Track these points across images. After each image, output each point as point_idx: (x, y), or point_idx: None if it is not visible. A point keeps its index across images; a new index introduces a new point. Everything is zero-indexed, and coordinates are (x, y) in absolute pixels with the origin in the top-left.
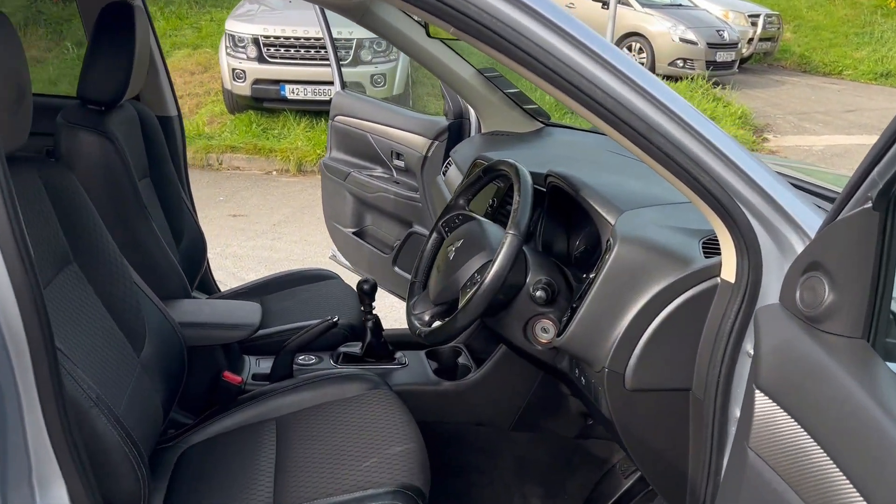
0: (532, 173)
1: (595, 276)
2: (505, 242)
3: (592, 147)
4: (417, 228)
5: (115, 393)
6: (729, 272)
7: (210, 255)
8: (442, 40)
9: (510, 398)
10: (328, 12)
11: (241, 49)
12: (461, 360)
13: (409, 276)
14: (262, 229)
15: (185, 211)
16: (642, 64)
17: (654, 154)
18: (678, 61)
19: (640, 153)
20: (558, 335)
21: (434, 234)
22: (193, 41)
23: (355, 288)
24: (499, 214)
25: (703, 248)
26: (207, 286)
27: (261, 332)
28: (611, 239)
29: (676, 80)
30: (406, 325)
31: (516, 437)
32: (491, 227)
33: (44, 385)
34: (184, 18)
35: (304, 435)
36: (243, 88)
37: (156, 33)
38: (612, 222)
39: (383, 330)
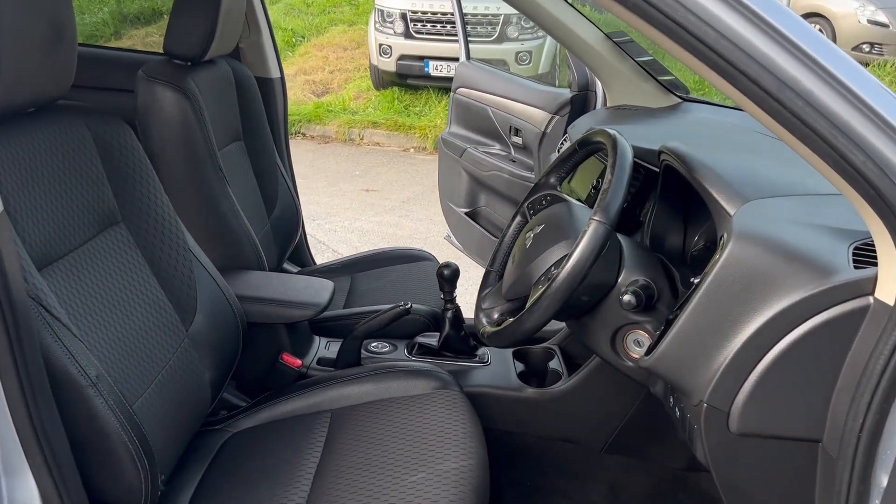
0: (642, 149)
1: (699, 282)
2: (587, 231)
3: (735, 126)
4: None
5: (141, 368)
6: (888, 291)
7: (336, 227)
8: (569, 2)
9: (606, 414)
10: None
11: (388, 24)
12: (553, 364)
13: None
14: (390, 205)
15: (279, 179)
16: None
17: (784, 119)
18: (864, 45)
19: (765, 119)
20: (647, 352)
21: (517, 218)
22: (350, 18)
23: (436, 273)
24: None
25: (854, 255)
26: (303, 259)
27: (332, 312)
28: (725, 235)
29: (866, 66)
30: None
31: (610, 461)
32: (583, 213)
33: (3, 359)
34: None
35: (356, 433)
36: (389, 64)
37: None
38: (731, 213)
39: (464, 321)
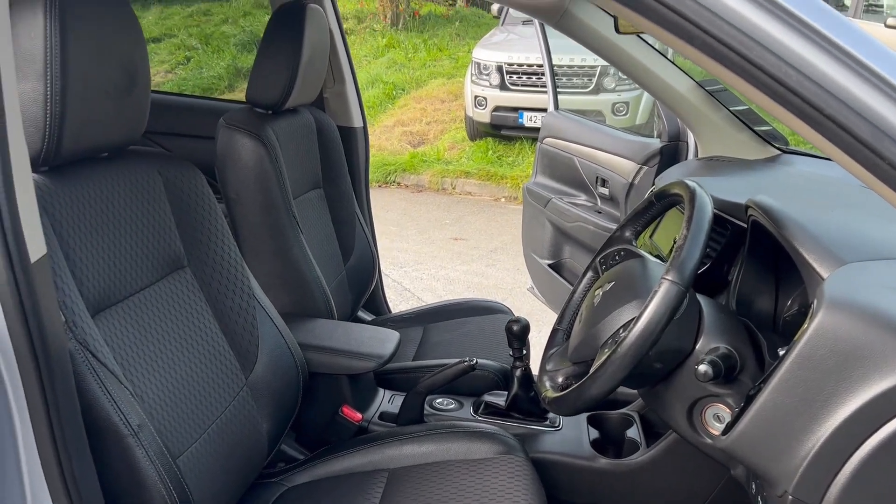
0: (728, 202)
1: (785, 354)
2: (658, 291)
3: (836, 179)
4: None
5: (194, 416)
6: None
7: (423, 275)
8: (657, 49)
9: (687, 493)
10: (556, 34)
11: (484, 76)
12: (630, 432)
13: None
14: (478, 254)
15: (357, 227)
16: None
17: (882, 172)
18: None
19: (859, 171)
20: (725, 431)
21: (588, 273)
22: (449, 71)
23: (505, 329)
24: None
25: None
26: (378, 307)
27: (397, 365)
28: (816, 301)
29: None
30: None
31: None
32: (657, 270)
33: (33, 402)
34: (444, 50)
35: (412, 496)
36: (483, 115)
37: (345, 39)
38: (824, 277)
39: (535, 381)
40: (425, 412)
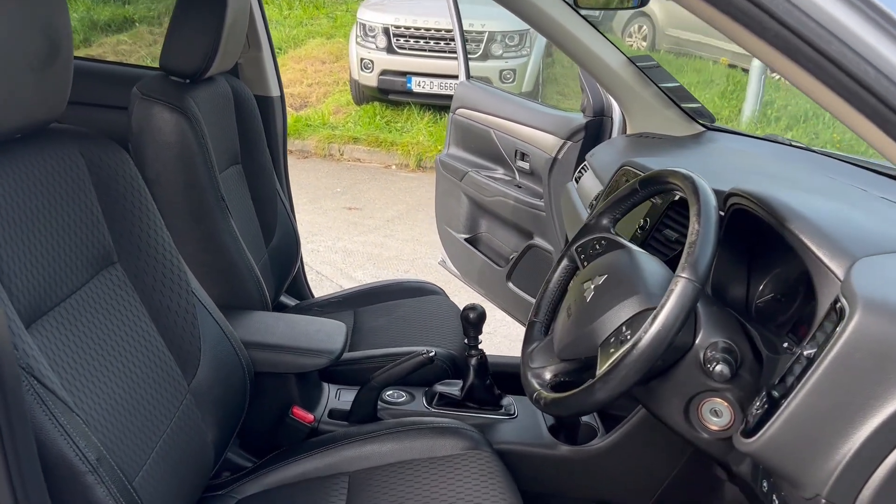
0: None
1: (820, 357)
2: (675, 290)
3: (774, 159)
4: (538, 241)
5: (141, 435)
6: None
7: (320, 247)
8: (591, 23)
9: (648, 475)
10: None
11: (370, 38)
12: (586, 417)
13: (524, 295)
14: (374, 224)
15: (279, 205)
16: None
17: None
18: None
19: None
20: (748, 433)
21: (564, 261)
22: (328, 31)
23: (460, 316)
24: (652, 241)
25: None
26: (300, 291)
27: (345, 356)
28: (843, 301)
29: None
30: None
31: None
32: (648, 262)
33: None
34: (320, 7)
35: (378, 499)
36: (370, 79)
37: (262, 4)
38: (840, 275)
39: (489, 370)
40: (378, 406)
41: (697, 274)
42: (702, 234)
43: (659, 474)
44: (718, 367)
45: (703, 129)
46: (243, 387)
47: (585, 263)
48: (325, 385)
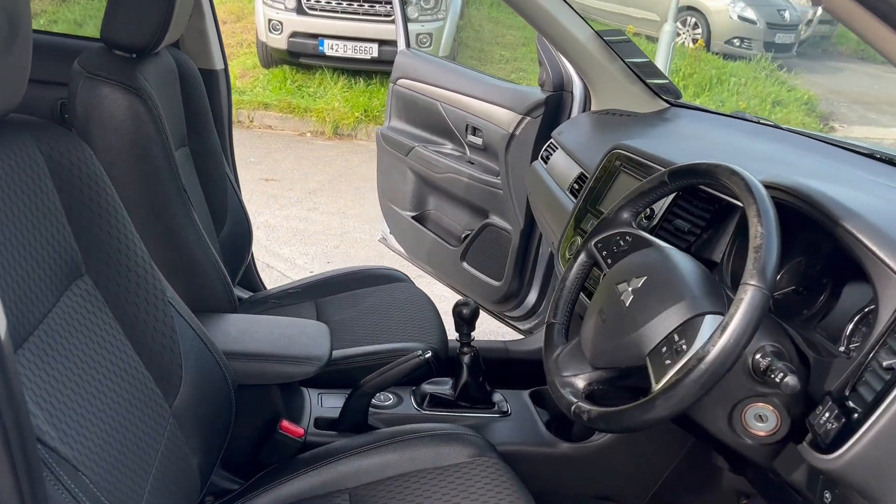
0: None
1: None
2: (744, 298)
3: (758, 140)
4: (495, 220)
5: (134, 478)
6: None
7: None
8: None
9: (647, 467)
10: None
11: None
12: None
13: (480, 275)
14: (296, 197)
15: (229, 190)
16: (696, 40)
17: None
18: (735, 40)
19: None
20: (823, 448)
21: (582, 257)
22: None
23: (452, 311)
24: (661, 232)
25: None
26: (251, 281)
27: None
28: None
29: (735, 60)
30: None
31: None
32: (685, 262)
33: None
34: None
35: None
36: (279, 41)
37: None
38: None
39: (482, 369)
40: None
41: (766, 281)
42: (766, 237)
43: (659, 466)
44: (788, 379)
45: (667, 105)
46: (228, 403)
47: (609, 262)
48: (305, 391)
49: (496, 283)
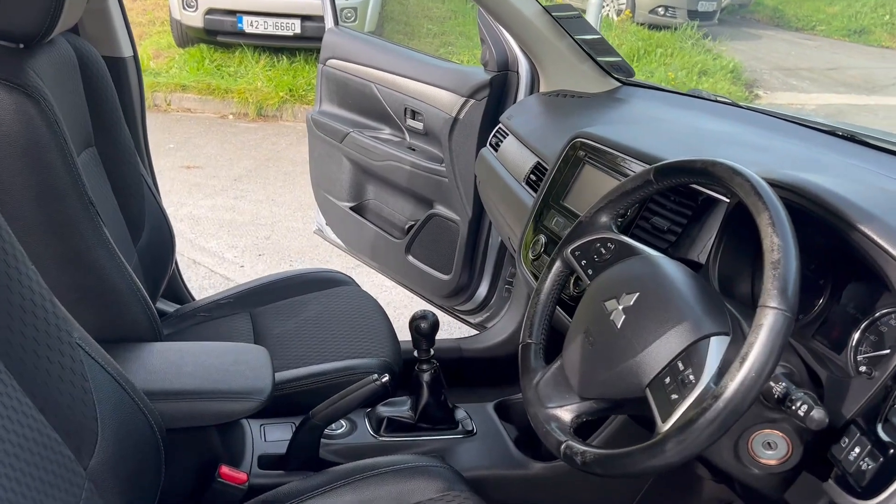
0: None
1: None
2: (764, 324)
3: (721, 122)
4: (441, 210)
5: None
6: None
7: None
8: None
9: (625, 481)
10: None
11: None
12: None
13: (426, 268)
14: (221, 185)
15: (145, 193)
16: (621, 11)
17: None
18: (659, 9)
19: None
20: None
21: (557, 265)
22: None
23: (409, 326)
24: (637, 231)
25: None
26: (177, 292)
27: None
28: None
29: (660, 29)
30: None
31: None
32: (678, 273)
33: None
34: None
35: None
36: (194, 19)
37: None
38: None
39: (444, 386)
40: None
41: (788, 302)
42: (784, 250)
43: (638, 480)
44: (814, 414)
45: (619, 84)
46: (156, 454)
47: (590, 272)
48: (245, 423)
49: (445, 277)
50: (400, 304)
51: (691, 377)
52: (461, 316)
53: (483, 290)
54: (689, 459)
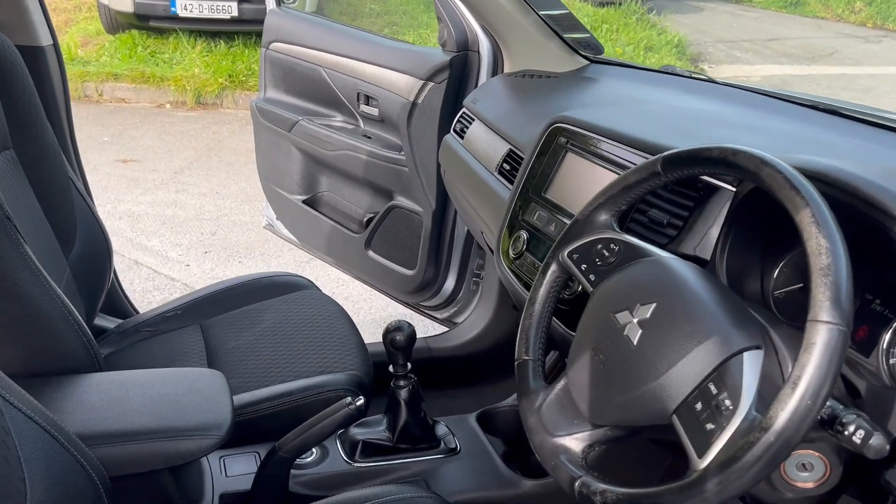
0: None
1: None
2: (817, 343)
3: (698, 96)
4: (402, 201)
5: None
6: None
7: (99, 213)
8: None
9: None
10: None
11: None
12: None
13: (388, 263)
14: (160, 179)
15: (74, 197)
16: None
17: None
18: None
19: None
20: None
21: (553, 269)
22: None
23: (382, 339)
24: (632, 225)
25: None
26: (118, 304)
27: None
28: None
29: (604, 6)
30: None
31: None
32: (695, 277)
33: None
34: None
35: None
36: (124, 3)
37: None
38: None
39: (423, 399)
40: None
41: (843, 314)
42: (833, 253)
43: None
44: (873, 442)
45: (586, 62)
46: None
47: (592, 278)
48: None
49: (409, 273)
50: (359, 299)
51: (727, 403)
52: (427, 312)
53: (450, 284)
54: (731, 500)
